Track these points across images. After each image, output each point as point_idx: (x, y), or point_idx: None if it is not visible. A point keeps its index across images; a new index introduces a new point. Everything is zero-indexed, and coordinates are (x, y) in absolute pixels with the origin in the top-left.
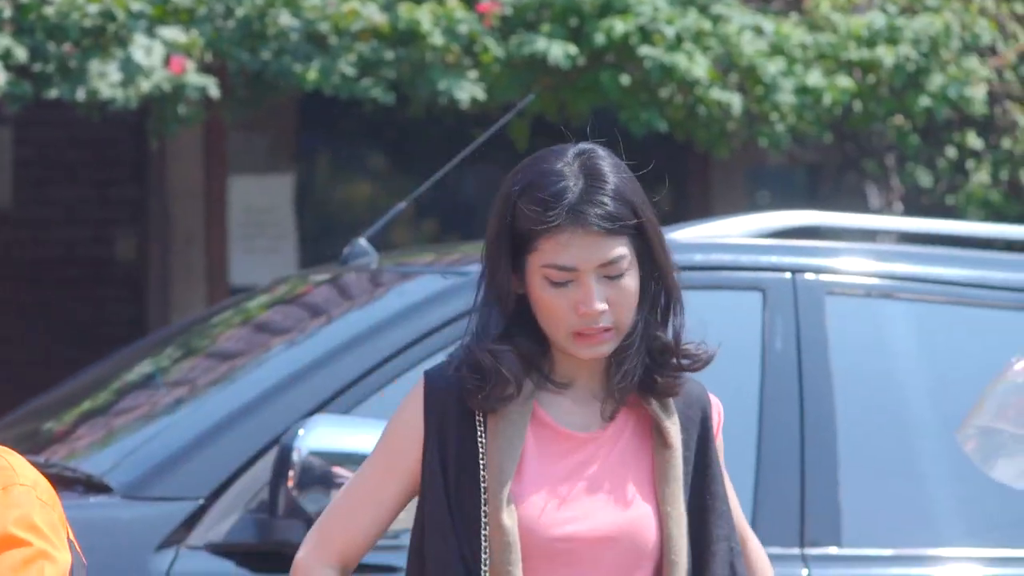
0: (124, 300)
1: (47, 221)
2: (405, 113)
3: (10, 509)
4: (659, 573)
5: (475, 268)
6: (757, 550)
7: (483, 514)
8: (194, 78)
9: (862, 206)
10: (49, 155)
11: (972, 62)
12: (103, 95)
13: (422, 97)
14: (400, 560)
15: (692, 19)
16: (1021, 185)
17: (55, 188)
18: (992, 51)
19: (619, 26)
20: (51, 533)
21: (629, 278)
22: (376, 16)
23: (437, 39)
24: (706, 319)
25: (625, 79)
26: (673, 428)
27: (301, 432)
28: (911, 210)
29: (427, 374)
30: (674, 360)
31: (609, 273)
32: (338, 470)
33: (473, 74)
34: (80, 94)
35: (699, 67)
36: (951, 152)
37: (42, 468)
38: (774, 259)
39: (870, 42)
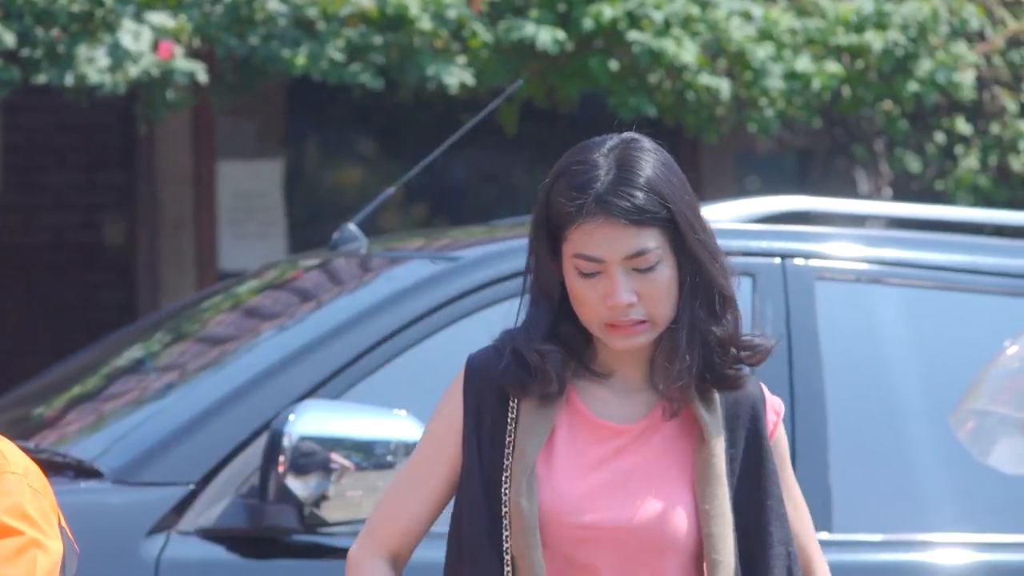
0: (113, 285)
1: (36, 207)
2: (394, 98)
3: (1, 498)
4: (699, 570)
5: (464, 253)
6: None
7: (504, 495)
8: (182, 63)
9: (851, 191)
10: (37, 140)
11: (960, 47)
12: (91, 80)
13: (411, 82)
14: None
15: (680, 4)
16: (1009, 170)
17: (44, 174)
18: (980, 36)
19: (607, 11)
20: (43, 521)
21: (661, 271)
22: (364, 1)
23: (425, 24)
24: None
25: (614, 64)
26: (712, 424)
27: (292, 417)
28: (900, 195)
29: (469, 358)
30: (733, 351)
31: (637, 265)
32: (329, 455)
33: (462, 59)
34: (68, 79)
35: (688, 52)
36: (940, 137)
37: (32, 453)
38: (764, 244)
39: (859, 27)
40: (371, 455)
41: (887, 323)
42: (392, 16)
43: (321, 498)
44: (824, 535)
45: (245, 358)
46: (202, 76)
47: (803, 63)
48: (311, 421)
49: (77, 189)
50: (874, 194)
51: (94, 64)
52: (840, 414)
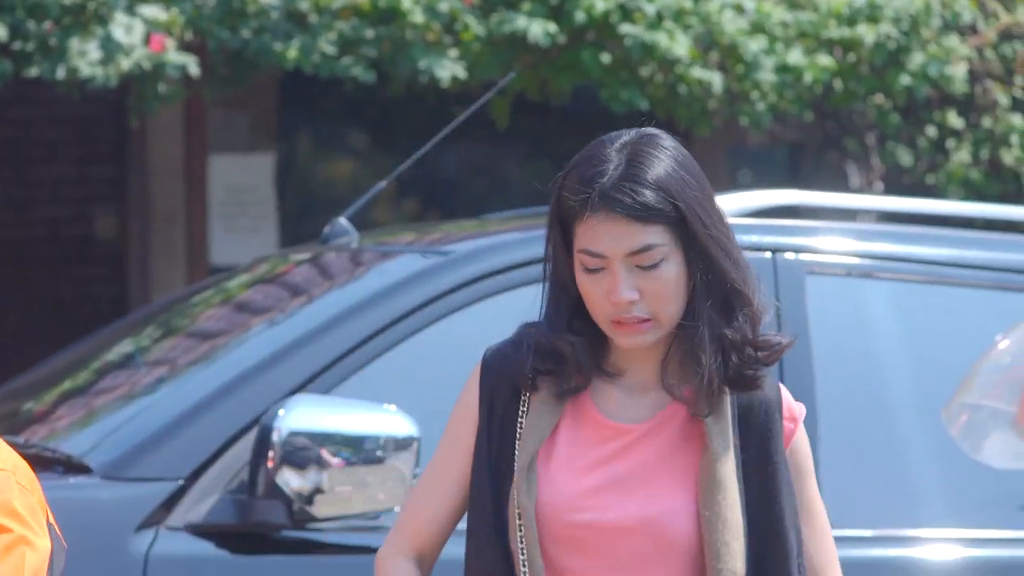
0: (105, 279)
1: (28, 200)
2: (386, 91)
3: None
4: (700, 574)
5: (455, 247)
6: None
7: (511, 491)
8: (174, 56)
9: (843, 185)
10: (29, 134)
11: (952, 41)
12: (83, 73)
13: (403, 75)
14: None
15: None
16: (1001, 164)
17: (35, 167)
18: (972, 30)
19: (600, 4)
20: (31, 518)
21: (665, 268)
22: None
23: (417, 17)
24: None
25: (606, 57)
26: (715, 428)
27: (281, 412)
28: (891, 189)
29: (486, 352)
30: (750, 351)
31: (641, 263)
32: (319, 450)
33: (454, 52)
34: (60, 72)
35: (680, 45)
36: (931, 131)
37: (21, 448)
38: (754, 238)
39: (851, 20)
40: (361, 450)
41: (878, 317)
42: (384, 9)
43: (311, 494)
44: None
45: (235, 353)
46: (194, 69)
47: (795, 56)
48: (301, 416)
49: (69, 182)
50: (865, 188)
51: (86, 57)
52: (830, 409)
